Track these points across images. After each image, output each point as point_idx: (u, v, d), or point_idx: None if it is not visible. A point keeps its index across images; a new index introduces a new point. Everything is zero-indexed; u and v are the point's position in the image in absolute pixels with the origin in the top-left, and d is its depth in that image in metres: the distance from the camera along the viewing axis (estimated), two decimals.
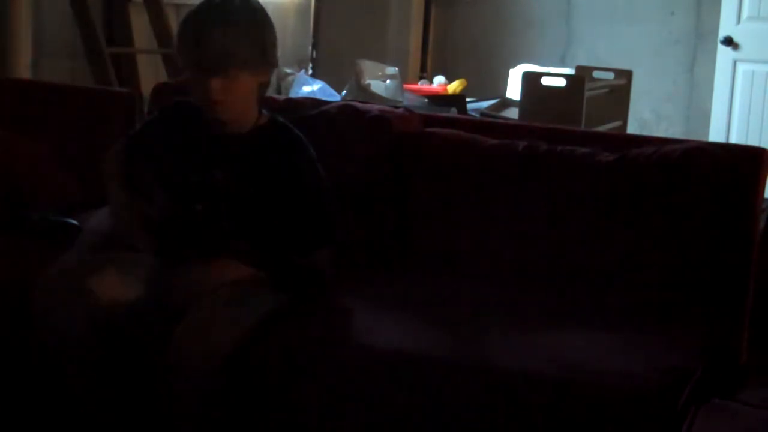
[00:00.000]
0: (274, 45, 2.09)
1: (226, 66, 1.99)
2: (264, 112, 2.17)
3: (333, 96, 4.18)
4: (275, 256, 2.08)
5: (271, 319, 1.99)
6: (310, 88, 4.44)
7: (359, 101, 2.71)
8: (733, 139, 4.68)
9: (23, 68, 3.44)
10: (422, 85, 4.90)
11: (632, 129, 4.44)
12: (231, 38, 1.98)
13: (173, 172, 2.14)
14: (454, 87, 4.58)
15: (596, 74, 4.02)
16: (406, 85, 4.38)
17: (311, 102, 2.67)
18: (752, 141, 4.40)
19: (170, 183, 2.14)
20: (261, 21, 2.07)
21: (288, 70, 4.79)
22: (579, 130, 2.93)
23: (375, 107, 2.57)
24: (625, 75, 4.03)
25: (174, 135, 2.17)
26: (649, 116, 5.18)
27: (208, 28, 2.00)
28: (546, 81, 3.50)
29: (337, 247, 2.15)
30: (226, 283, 2.00)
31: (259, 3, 2.10)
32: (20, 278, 2.13)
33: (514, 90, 4.23)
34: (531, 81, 3.51)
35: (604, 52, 5.14)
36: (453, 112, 3.79)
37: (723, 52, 4.81)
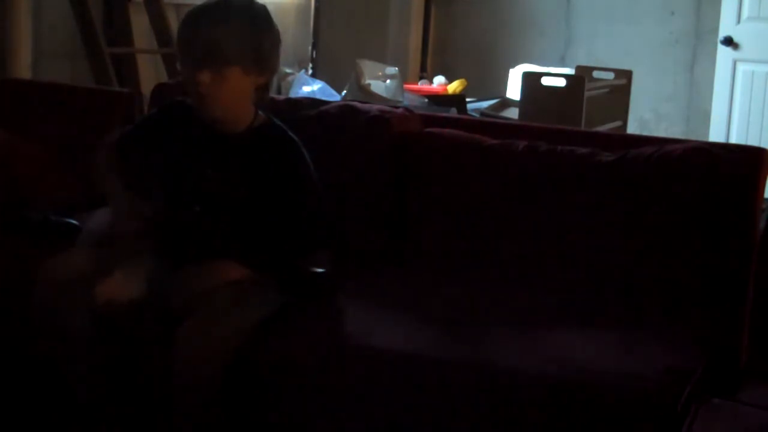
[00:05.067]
0: (272, 49, 2.08)
1: (212, 59, 1.99)
2: (261, 113, 2.17)
3: (333, 96, 4.18)
4: (273, 257, 2.08)
5: (271, 319, 2.00)
6: (310, 88, 4.44)
7: (359, 101, 2.71)
8: (733, 139, 4.67)
9: (23, 68, 3.44)
10: (422, 85, 4.89)
11: (632, 129, 4.44)
12: (221, 33, 1.99)
13: (169, 172, 2.14)
14: (454, 87, 4.58)
15: (596, 74, 4.02)
16: (406, 85, 4.38)
17: (311, 102, 2.67)
18: (752, 141, 4.40)
19: (167, 182, 2.14)
20: (258, 23, 2.06)
21: (288, 70, 4.79)
22: (579, 130, 2.93)
23: (375, 107, 2.57)
24: (625, 75, 4.03)
25: (170, 134, 2.17)
26: (649, 116, 5.18)
27: (201, 23, 2.02)
28: (546, 81, 3.50)
29: (332, 249, 2.14)
30: (226, 283, 2.00)
31: (263, 7, 2.10)
32: (20, 278, 2.13)
33: (514, 90, 4.23)
34: (531, 81, 3.51)
35: (604, 52, 5.14)
36: (453, 112, 3.79)
37: (723, 52, 4.80)
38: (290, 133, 2.16)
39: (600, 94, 3.86)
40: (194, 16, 2.05)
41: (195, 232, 2.09)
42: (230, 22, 2.01)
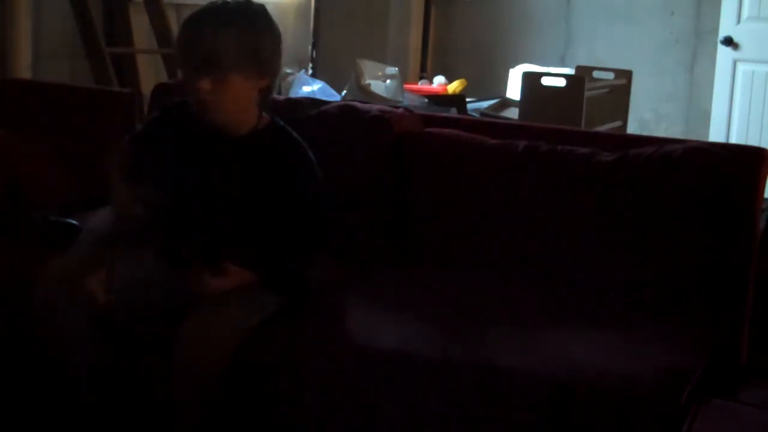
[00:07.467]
0: (273, 51, 2.06)
1: (212, 66, 1.98)
2: (265, 114, 2.16)
3: (333, 96, 4.18)
4: (274, 258, 2.08)
5: (272, 319, 2.00)
6: (310, 88, 4.44)
7: (359, 101, 2.71)
8: (733, 139, 4.67)
9: (23, 68, 3.43)
10: (422, 85, 4.90)
11: (632, 129, 4.44)
12: (220, 39, 1.97)
13: (173, 172, 2.14)
14: (454, 87, 4.58)
15: (596, 74, 4.02)
16: (406, 85, 4.38)
17: (311, 102, 2.67)
18: (752, 141, 4.40)
19: (170, 183, 2.14)
20: (258, 26, 2.04)
21: (288, 70, 4.79)
22: (579, 130, 2.93)
23: (375, 107, 2.57)
24: (625, 75, 4.03)
25: (174, 135, 2.17)
26: (649, 116, 5.18)
27: (200, 28, 2.00)
28: (546, 81, 3.50)
29: (331, 251, 2.14)
30: (227, 284, 2.00)
31: (263, 9, 2.08)
32: (20, 278, 2.13)
33: (514, 90, 4.23)
34: (531, 81, 3.51)
35: (604, 52, 5.14)
36: (453, 112, 3.79)
37: (723, 52, 4.80)
38: (295, 135, 2.16)
39: (600, 94, 3.86)
40: (192, 23, 2.03)
41: (196, 232, 2.09)
42: (228, 28, 1.98)
